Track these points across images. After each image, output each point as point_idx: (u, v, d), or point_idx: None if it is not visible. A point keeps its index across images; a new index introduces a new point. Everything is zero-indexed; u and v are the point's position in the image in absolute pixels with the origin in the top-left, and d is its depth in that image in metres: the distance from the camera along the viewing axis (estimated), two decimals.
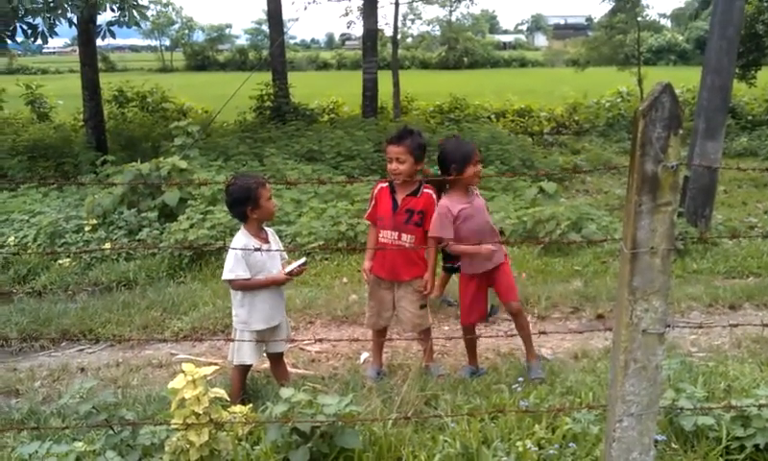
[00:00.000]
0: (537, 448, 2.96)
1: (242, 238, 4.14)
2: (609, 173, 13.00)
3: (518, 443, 2.98)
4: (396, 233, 4.46)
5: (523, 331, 4.60)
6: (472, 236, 4.37)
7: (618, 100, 20.88)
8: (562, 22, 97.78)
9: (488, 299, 4.72)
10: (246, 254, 4.02)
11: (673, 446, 3.02)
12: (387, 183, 4.54)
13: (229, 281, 4.13)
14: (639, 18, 22.80)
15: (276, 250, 4.23)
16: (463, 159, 4.35)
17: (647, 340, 2.27)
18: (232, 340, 4.23)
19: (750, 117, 18.79)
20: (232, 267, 4.06)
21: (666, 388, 3.24)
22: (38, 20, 11.16)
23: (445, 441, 3.06)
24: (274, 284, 4.17)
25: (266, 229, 4.29)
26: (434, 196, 4.50)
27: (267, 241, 4.21)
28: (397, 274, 4.54)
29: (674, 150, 2.15)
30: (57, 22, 11.39)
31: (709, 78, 8.34)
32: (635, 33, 22.40)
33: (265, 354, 4.42)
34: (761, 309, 6.11)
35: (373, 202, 4.60)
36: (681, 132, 2.17)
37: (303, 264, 4.25)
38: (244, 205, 4.09)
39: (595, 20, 34.67)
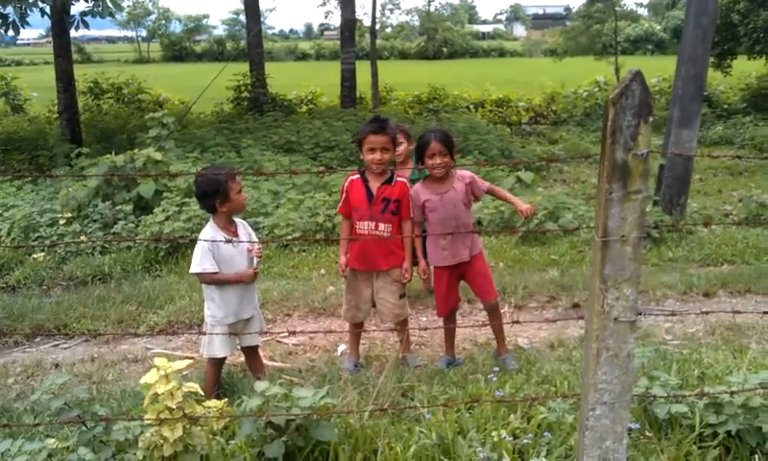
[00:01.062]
0: (512, 438, 2.96)
1: (209, 231, 4.08)
2: (586, 162, 13.07)
3: (494, 433, 2.98)
4: (373, 223, 4.45)
5: (497, 327, 4.62)
6: (436, 227, 4.37)
7: (596, 89, 20.99)
8: (540, 12, 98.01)
9: (458, 288, 4.70)
10: (214, 247, 3.98)
11: (647, 434, 3.03)
12: (358, 175, 4.52)
13: (197, 275, 4.10)
14: (617, 8, 22.98)
15: (247, 242, 4.16)
16: (419, 151, 4.39)
17: (619, 328, 2.27)
18: (204, 333, 4.19)
19: (725, 106, 18.97)
20: (199, 260, 4.02)
21: (640, 376, 3.26)
22: (9, 9, 11.00)
23: (421, 432, 3.05)
24: (242, 281, 4.13)
25: (237, 221, 4.23)
26: (408, 184, 4.51)
27: (236, 234, 4.14)
28: (375, 264, 4.53)
29: (644, 138, 2.15)
30: (28, 12, 11.23)
31: (684, 67, 8.40)
32: (612, 22, 22.57)
33: (239, 348, 4.39)
34: (735, 297, 6.17)
35: (344, 195, 4.57)
36: (651, 119, 2.16)
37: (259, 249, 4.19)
38: (212, 197, 4.04)
39: (573, 10, 34.86)
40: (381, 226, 4.44)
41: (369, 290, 4.60)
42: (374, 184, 4.45)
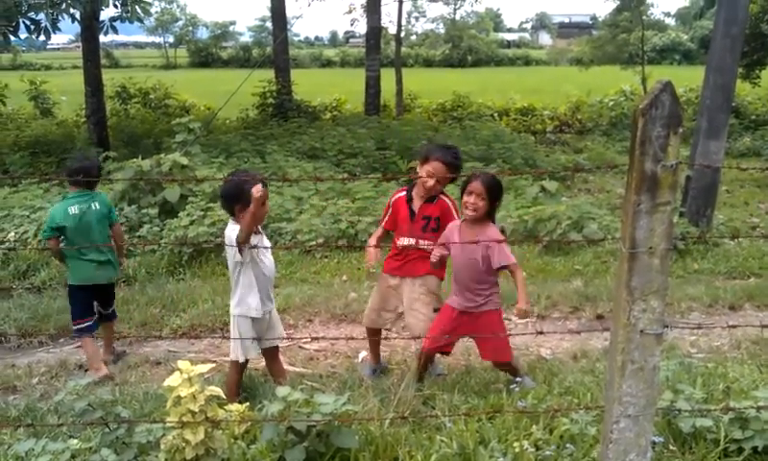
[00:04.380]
0: (534, 449, 2.94)
1: (234, 229, 4.09)
2: (611, 172, 12.96)
3: (515, 443, 2.96)
4: (414, 240, 4.44)
5: (511, 374, 4.34)
6: (455, 271, 4.19)
7: (622, 99, 20.84)
8: (566, 21, 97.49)
9: (456, 339, 4.39)
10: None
11: (671, 447, 2.99)
12: (404, 192, 4.54)
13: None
14: (644, 17, 22.79)
15: (268, 247, 4.21)
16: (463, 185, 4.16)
17: (645, 341, 2.25)
18: (229, 338, 4.22)
19: (753, 117, 18.73)
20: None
21: (665, 389, 3.22)
22: (41, 16, 11.16)
23: (442, 441, 3.04)
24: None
25: None
26: (449, 203, 4.45)
27: (259, 233, 4.19)
28: (412, 269, 4.49)
29: (673, 149, 2.13)
30: (59, 18, 11.39)
31: (712, 77, 8.31)
32: (639, 31, 22.39)
33: (259, 352, 4.42)
34: (762, 310, 6.09)
35: (390, 210, 4.58)
36: (680, 130, 2.15)
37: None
38: (232, 202, 4.06)
39: (600, 19, 34.62)
40: (422, 243, 4.43)
41: (396, 300, 4.56)
42: (417, 203, 4.46)
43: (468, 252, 4.04)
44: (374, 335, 4.77)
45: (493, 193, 4.05)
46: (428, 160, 4.35)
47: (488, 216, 4.11)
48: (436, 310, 4.47)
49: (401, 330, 4.94)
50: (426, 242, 4.39)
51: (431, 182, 4.32)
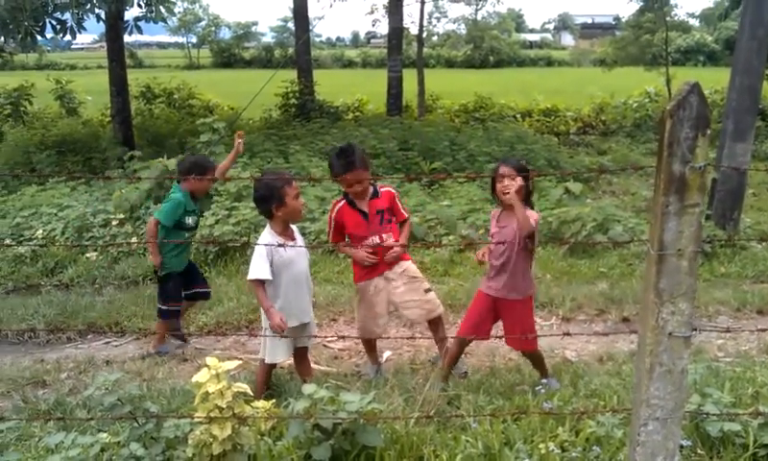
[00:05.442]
0: (560, 451, 2.94)
1: (267, 237, 4.15)
2: (636, 174, 12.85)
3: (541, 445, 2.96)
4: (377, 237, 4.54)
5: (538, 367, 4.39)
6: (491, 256, 4.21)
7: (646, 100, 20.62)
8: (589, 21, 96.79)
9: (492, 325, 4.37)
10: (273, 251, 4.03)
11: (698, 451, 2.98)
12: (344, 201, 4.58)
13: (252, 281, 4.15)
14: (668, 18, 22.55)
15: (302, 246, 4.24)
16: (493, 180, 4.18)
17: (673, 343, 2.24)
18: (258, 336, 4.26)
19: None
20: (256, 269, 4.09)
21: (692, 393, 3.20)
22: (67, 15, 11.30)
23: (467, 441, 3.05)
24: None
25: (292, 226, 4.30)
26: (391, 190, 4.63)
27: (293, 239, 4.21)
28: (385, 265, 4.60)
29: (702, 150, 2.12)
30: (85, 18, 11.52)
31: (738, 79, 8.23)
32: (662, 32, 22.14)
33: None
34: None
35: (335, 224, 4.60)
36: (708, 132, 2.14)
37: None
38: (269, 202, 4.11)
39: (623, 20, 34.34)
40: (384, 236, 4.55)
41: (383, 301, 4.62)
42: (363, 204, 4.53)
43: (508, 237, 4.09)
44: (370, 341, 4.83)
45: (523, 171, 4.03)
46: (340, 177, 4.45)
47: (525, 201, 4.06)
48: (427, 291, 4.63)
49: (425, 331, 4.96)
50: (386, 234, 4.55)
51: (360, 188, 4.44)
